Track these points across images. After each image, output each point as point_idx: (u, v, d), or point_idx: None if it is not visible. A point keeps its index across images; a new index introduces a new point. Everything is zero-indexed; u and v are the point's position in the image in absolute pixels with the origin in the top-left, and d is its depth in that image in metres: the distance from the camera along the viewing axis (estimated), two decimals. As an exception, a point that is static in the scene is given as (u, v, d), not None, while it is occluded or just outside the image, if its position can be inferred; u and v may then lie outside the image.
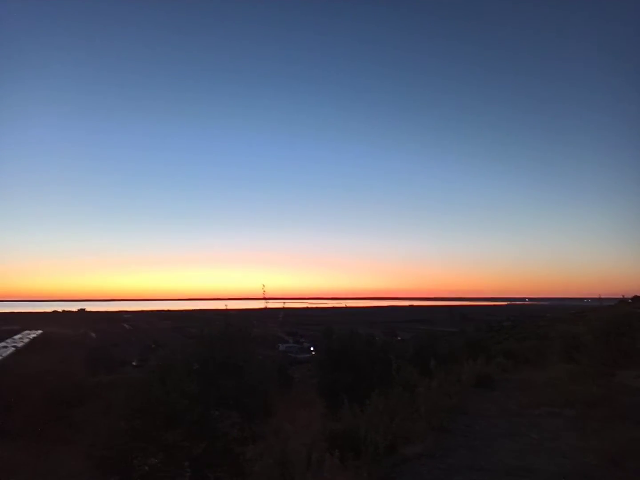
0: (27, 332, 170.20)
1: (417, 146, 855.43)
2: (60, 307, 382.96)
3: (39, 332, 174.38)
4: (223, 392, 10.05)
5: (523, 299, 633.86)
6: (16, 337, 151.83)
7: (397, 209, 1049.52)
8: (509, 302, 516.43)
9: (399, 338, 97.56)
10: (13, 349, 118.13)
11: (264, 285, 18.15)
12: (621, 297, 53.75)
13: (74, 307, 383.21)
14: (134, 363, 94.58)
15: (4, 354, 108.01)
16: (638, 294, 65.67)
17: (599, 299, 34.17)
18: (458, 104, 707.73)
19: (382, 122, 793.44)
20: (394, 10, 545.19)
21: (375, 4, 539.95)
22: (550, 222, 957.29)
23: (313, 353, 76.15)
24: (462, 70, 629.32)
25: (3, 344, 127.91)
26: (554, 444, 9.45)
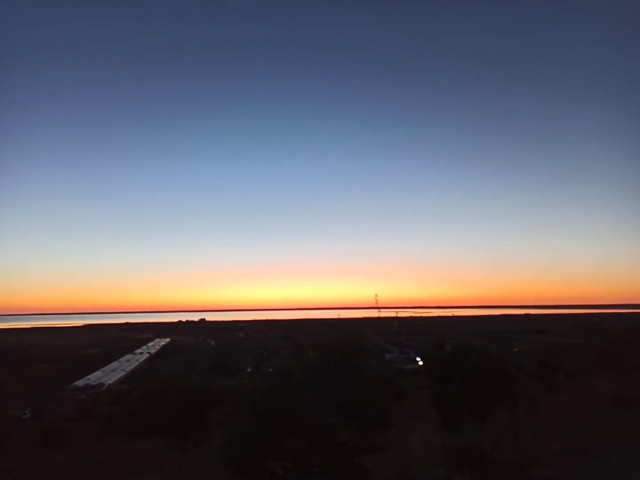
0: (158, 340, 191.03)
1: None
2: (184, 317, 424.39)
3: (168, 340, 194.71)
4: (339, 401, 10.21)
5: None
6: (149, 344, 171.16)
7: (506, 219, 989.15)
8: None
9: (515, 349, 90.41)
10: (147, 355, 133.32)
11: (376, 295, 18.12)
12: None
13: (195, 317, 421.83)
14: (248, 369, 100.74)
15: (141, 360, 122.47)
16: None
17: None
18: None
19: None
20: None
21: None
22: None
23: (420, 364, 73.67)
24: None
25: (139, 350, 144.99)
26: None
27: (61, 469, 15.03)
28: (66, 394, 74.91)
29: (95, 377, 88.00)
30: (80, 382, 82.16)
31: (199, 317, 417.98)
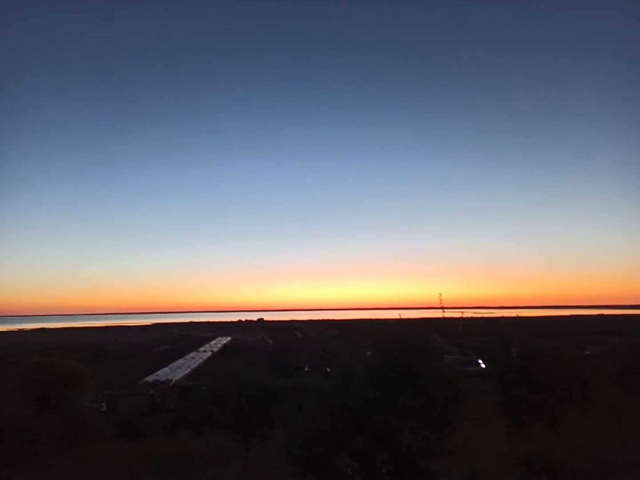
0: (219, 338, 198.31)
1: None
2: (243, 316, 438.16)
3: (229, 338, 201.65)
4: (403, 402, 10.08)
5: None
6: (212, 342, 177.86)
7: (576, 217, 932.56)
8: None
9: (587, 352, 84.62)
10: (210, 353, 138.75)
11: (440, 295, 17.68)
12: None
13: (254, 316, 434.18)
14: (306, 369, 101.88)
15: (204, 357, 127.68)
16: None
17: None
18: None
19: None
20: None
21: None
22: None
23: (482, 366, 70.82)
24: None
25: (203, 348, 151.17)
26: None
27: (139, 459, 16.08)
28: (137, 389, 79.87)
29: (163, 373, 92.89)
30: (149, 378, 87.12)
31: (258, 317, 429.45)
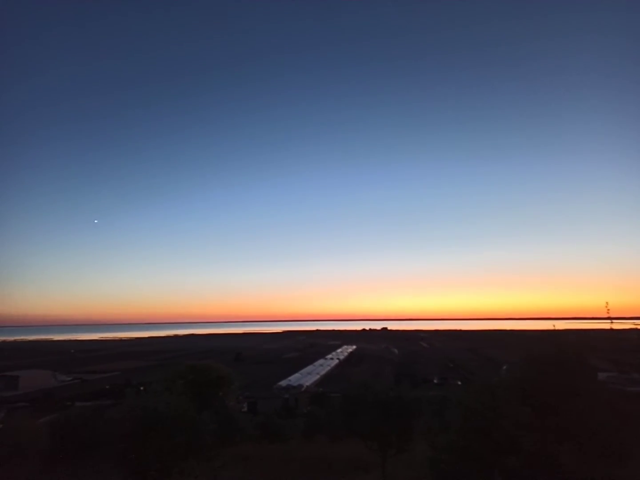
0: (345, 346, 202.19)
1: None
2: (367, 325, 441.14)
3: (354, 347, 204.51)
4: (560, 422, 9.08)
5: None
6: (338, 350, 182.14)
7: None
8: None
9: None
10: (337, 360, 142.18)
11: (607, 304, 15.74)
12: None
13: (377, 325, 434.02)
14: (435, 381, 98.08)
15: (332, 365, 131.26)
16: None
17: None
18: None
19: None
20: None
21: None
22: None
23: (647, 386, 60.59)
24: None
25: (330, 356, 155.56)
26: None
27: (284, 460, 17.15)
28: (273, 392, 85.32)
29: (294, 378, 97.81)
30: (283, 383, 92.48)
31: (381, 326, 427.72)
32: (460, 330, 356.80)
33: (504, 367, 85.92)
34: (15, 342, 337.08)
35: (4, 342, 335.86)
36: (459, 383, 71.22)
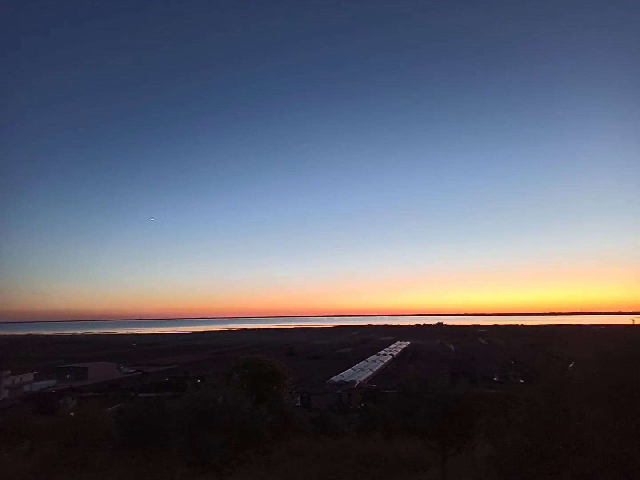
0: (399, 342, 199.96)
1: None
2: (421, 320, 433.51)
3: (408, 343, 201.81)
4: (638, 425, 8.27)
5: None
6: (391, 346, 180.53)
7: None
8: None
9: None
10: (390, 357, 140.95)
11: None
12: None
13: (432, 320, 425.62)
14: (495, 378, 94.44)
15: (385, 360, 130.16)
16: None
17: None
18: None
19: None
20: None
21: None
22: None
23: None
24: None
25: (382, 352, 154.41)
26: None
27: (340, 455, 17.15)
28: (326, 388, 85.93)
29: (347, 374, 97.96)
30: (335, 378, 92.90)
31: (436, 321, 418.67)
32: (521, 326, 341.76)
33: (571, 365, 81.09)
34: (83, 335, 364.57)
35: (73, 335, 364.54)
36: (522, 381, 68.03)
